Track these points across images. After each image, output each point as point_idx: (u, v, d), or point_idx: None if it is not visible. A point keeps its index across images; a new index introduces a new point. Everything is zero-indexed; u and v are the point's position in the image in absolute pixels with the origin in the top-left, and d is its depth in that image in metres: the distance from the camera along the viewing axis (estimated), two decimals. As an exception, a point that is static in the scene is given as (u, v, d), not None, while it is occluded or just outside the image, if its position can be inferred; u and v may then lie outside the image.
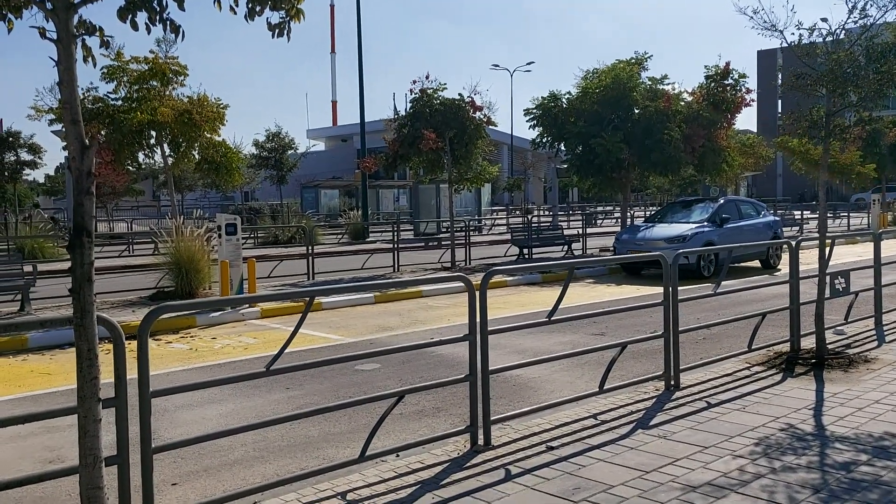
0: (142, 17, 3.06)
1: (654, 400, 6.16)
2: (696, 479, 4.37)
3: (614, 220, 43.25)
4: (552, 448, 4.99)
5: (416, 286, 13.25)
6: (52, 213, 31.44)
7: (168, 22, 3.07)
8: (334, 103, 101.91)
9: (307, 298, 4.32)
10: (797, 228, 30.59)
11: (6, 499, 4.43)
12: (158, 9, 3.03)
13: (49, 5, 2.91)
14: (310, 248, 16.43)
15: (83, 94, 13.18)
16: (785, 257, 18.65)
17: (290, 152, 34.22)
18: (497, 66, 60.47)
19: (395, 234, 19.10)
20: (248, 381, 4.29)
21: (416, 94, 17.30)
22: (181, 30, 3.12)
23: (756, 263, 17.67)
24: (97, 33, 3.04)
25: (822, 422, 5.38)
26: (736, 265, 16.90)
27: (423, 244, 21.85)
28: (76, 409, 3.09)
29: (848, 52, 6.56)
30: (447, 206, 30.84)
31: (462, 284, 4.94)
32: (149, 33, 3.08)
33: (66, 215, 35.92)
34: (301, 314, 4.32)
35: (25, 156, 26.93)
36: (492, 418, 5.08)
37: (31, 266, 12.72)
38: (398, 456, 4.84)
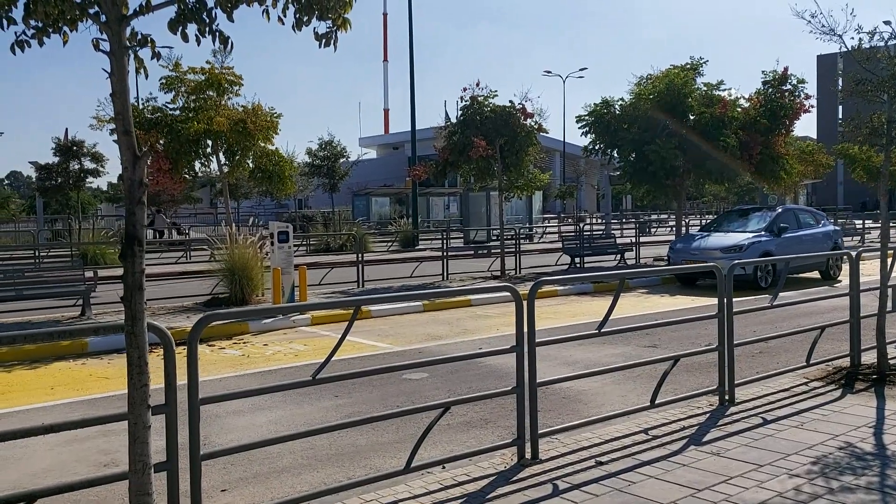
0: (192, 28, 3.10)
1: (708, 415, 5.99)
2: (751, 499, 4.23)
3: (668, 229, 42.56)
4: (601, 463, 4.88)
5: (464, 295, 13.19)
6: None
7: (217, 33, 3.11)
8: (386, 111, 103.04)
9: (362, 307, 4.32)
10: (858, 238, 29.61)
11: (63, 500, 4.53)
12: (207, 20, 3.07)
13: (102, 18, 2.97)
14: (360, 255, 16.55)
15: (143, 103, 13.55)
16: (845, 268, 18.07)
17: (342, 160, 34.60)
18: (549, 72, 60.16)
19: (445, 242, 19.09)
20: (296, 389, 4.30)
21: (466, 101, 17.29)
22: (230, 41, 3.16)
23: (815, 274, 17.14)
24: (149, 45, 3.09)
25: (884, 440, 5.16)
26: (794, 276, 16.42)
27: (472, 252, 21.82)
28: (126, 416, 3.13)
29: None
30: (497, 214, 30.81)
31: (526, 292, 4.89)
32: (198, 44, 3.12)
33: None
34: (348, 322, 4.32)
35: (88, 164, 27.86)
36: (540, 431, 5.00)
37: (93, 272, 13.11)
38: (444, 468, 4.80)
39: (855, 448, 5.01)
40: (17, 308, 12.35)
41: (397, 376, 7.90)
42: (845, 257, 7.73)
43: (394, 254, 26.54)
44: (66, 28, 3.06)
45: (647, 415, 5.94)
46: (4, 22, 2.98)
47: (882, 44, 6.48)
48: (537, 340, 4.92)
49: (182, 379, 3.66)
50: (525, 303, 4.82)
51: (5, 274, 11.85)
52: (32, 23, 3.00)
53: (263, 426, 6.35)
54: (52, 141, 27.99)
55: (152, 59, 3.13)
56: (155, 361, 3.70)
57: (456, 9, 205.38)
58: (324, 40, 3.35)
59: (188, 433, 3.71)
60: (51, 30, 3.03)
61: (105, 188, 55.80)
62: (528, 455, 4.93)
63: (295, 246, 25.63)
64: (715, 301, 6.41)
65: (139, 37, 3.06)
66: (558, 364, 8.25)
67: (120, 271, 11.22)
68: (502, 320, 11.80)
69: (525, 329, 4.83)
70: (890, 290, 7.17)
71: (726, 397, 6.31)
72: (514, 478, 4.64)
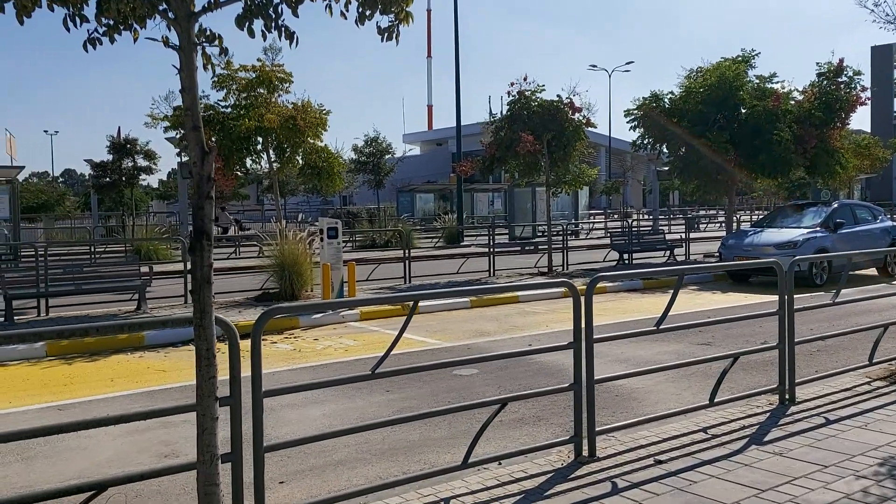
0: (258, 24, 3.13)
1: (768, 415, 5.86)
2: (816, 500, 4.12)
3: (718, 225, 41.80)
4: (660, 462, 4.81)
5: (520, 291, 13.07)
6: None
7: (283, 28, 3.13)
8: (430, 107, 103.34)
9: (411, 302, 4.32)
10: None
11: (127, 490, 4.63)
12: (274, 16, 3.10)
13: (171, 15, 3.01)
14: (407, 251, 16.60)
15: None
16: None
17: (387, 157, 34.78)
18: (595, 66, 59.56)
19: (491, 238, 19.05)
20: (355, 382, 4.32)
21: (513, 96, 17.20)
22: (295, 35, 3.18)
23: (872, 271, 16.64)
24: (216, 41, 3.13)
25: (958, 444, 4.98)
26: (850, 273, 15.98)
27: (518, 248, 21.72)
28: (195, 407, 3.18)
29: None
30: (543, 210, 30.59)
31: (564, 290, 4.84)
32: (264, 39, 3.15)
33: (178, 218, 37.69)
34: (406, 317, 4.32)
35: (141, 161, 28.49)
36: (597, 429, 4.94)
37: (148, 267, 13.41)
38: (500, 464, 4.78)
39: (925, 450, 4.84)
40: (75, 302, 12.70)
41: (447, 372, 7.89)
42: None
43: (439, 250, 26.58)
44: (135, 25, 3.12)
45: (705, 413, 5.83)
46: (77, 20, 3.04)
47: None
48: (595, 337, 4.86)
49: (244, 372, 3.71)
50: (583, 298, 4.76)
51: (64, 269, 12.18)
52: (104, 20, 3.06)
53: (317, 419, 6.41)
54: (106, 139, 28.75)
55: (220, 55, 3.16)
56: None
57: (500, 4, 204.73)
58: (386, 34, 3.35)
59: (251, 425, 3.75)
60: (121, 27, 3.08)
61: (156, 185, 57.02)
62: (585, 452, 4.88)
63: (342, 242, 25.90)
64: (769, 298, 6.29)
65: (207, 33, 3.09)
66: (610, 361, 8.16)
67: (172, 267, 11.49)
68: (550, 317, 11.72)
69: (583, 325, 4.77)
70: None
71: (786, 396, 6.16)
72: (572, 475, 4.60)
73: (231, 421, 3.62)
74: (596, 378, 4.93)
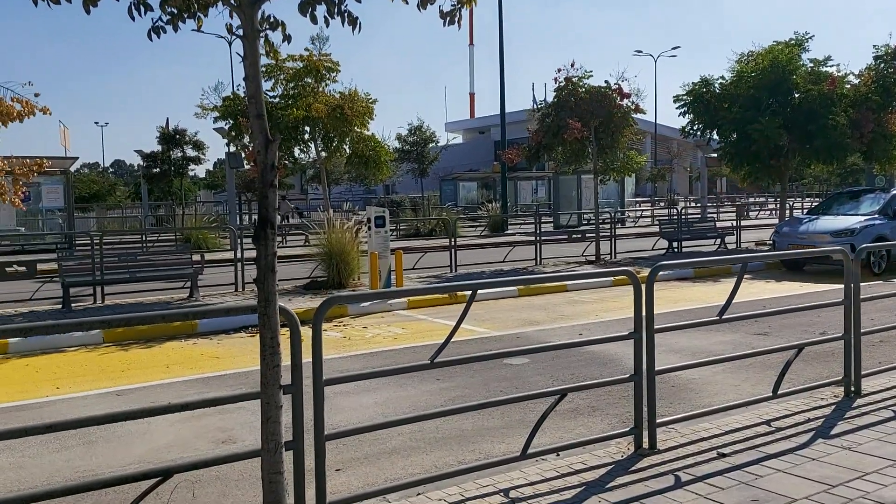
0: (320, 10, 3.09)
1: (834, 407, 5.67)
2: (891, 497, 3.97)
3: (768, 213, 40.88)
4: (724, 455, 4.69)
5: (582, 280, 12.85)
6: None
7: (346, 14, 3.09)
8: (472, 95, 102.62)
9: (467, 292, 4.26)
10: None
11: (188, 476, 4.68)
12: (336, 1, 3.05)
13: (234, 2, 2.99)
14: (453, 240, 16.56)
15: (244, 92, 13.90)
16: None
17: (430, 145, 34.75)
18: (640, 51, 58.71)
19: (537, 226, 18.89)
20: (409, 372, 4.29)
21: (560, 82, 16.98)
22: (358, 21, 3.13)
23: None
24: (279, 28, 3.10)
25: None
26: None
27: (564, 237, 21.50)
28: (259, 395, 3.18)
29: None
30: (588, 198, 30.27)
31: (622, 278, 4.73)
32: (327, 26, 3.11)
33: (224, 207, 38.20)
34: (464, 304, 4.27)
35: (190, 152, 28.96)
36: (657, 421, 4.84)
37: (200, 255, 13.62)
38: (559, 455, 4.71)
39: None
40: (129, 290, 12.96)
41: (498, 361, 7.83)
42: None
43: (483, 238, 26.49)
44: (199, 13, 3.10)
45: (768, 406, 5.67)
46: (142, 8, 3.04)
47: None
48: (656, 326, 4.76)
49: (305, 358, 3.70)
50: (644, 287, 4.65)
51: (119, 257, 12.43)
52: (168, 8, 3.05)
53: (370, 407, 6.41)
54: (156, 130, 29.26)
55: (283, 42, 3.14)
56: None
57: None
58: (448, 18, 3.28)
59: (312, 413, 3.74)
60: (185, 14, 3.07)
61: (203, 175, 57.99)
62: (645, 444, 4.78)
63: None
64: (824, 287, 6.11)
65: (270, 20, 3.07)
66: (665, 351, 7.99)
67: (221, 255, 11.59)
68: (600, 306, 11.57)
69: (644, 314, 4.67)
70: None
71: (852, 389, 5.96)
72: (633, 467, 4.51)
73: (293, 409, 3.61)
74: (657, 369, 4.83)
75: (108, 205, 44.38)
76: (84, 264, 11.98)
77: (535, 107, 18.38)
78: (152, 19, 3.10)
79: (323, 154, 13.92)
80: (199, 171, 54.87)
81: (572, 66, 17.03)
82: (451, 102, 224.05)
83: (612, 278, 13.76)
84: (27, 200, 21.16)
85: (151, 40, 3.13)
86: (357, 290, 13.00)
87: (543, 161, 21.42)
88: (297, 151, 13.93)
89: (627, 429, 4.83)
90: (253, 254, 12.20)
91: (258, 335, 3.29)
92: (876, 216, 15.58)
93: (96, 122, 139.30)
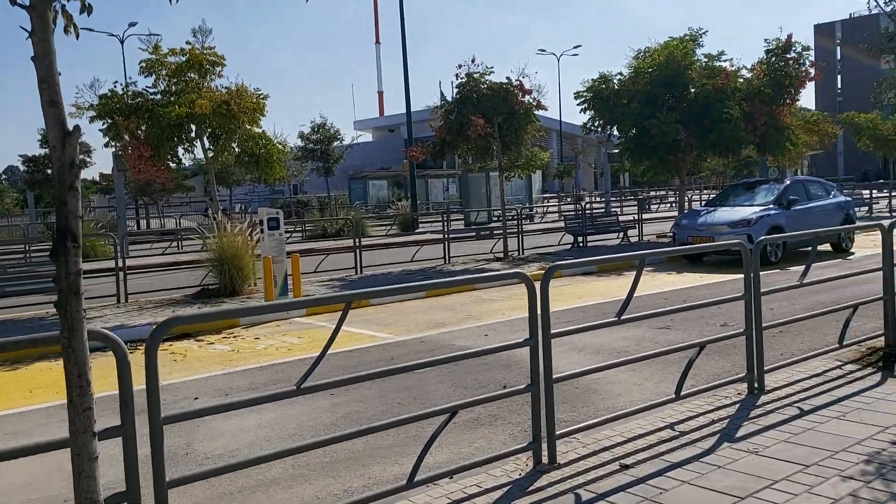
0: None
1: (738, 406, 5.47)
2: (801, 506, 3.72)
3: (668, 205, 42.03)
4: (627, 466, 4.36)
5: (470, 284, 12.42)
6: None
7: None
8: (380, 94, 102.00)
9: (345, 304, 3.78)
10: (866, 209, 29.06)
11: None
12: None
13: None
14: (357, 240, 16.00)
15: (122, 89, 12.93)
16: (858, 240, 17.53)
17: (335, 143, 33.93)
18: (543, 50, 59.48)
19: (446, 224, 18.53)
20: (272, 402, 3.75)
21: (462, 78, 16.66)
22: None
23: (826, 247, 16.60)
24: (77, -5, 2.53)
25: (942, 433, 4.64)
26: (805, 249, 15.89)
27: (474, 234, 21.26)
28: (69, 445, 2.60)
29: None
30: (497, 195, 30.18)
31: (536, 273, 4.35)
32: None
33: (116, 214, 36.19)
34: (337, 322, 3.77)
35: (75, 155, 27.13)
36: (557, 432, 4.47)
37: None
38: (452, 478, 4.28)
39: (910, 442, 4.48)
40: (2, 305, 11.83)
41: (398, 364, 7.38)
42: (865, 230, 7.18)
43: (393, 238, 26.00)
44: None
45: (671, 407, 5.41)
46: None
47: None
48: (553, 331, 4.39)
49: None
50: (538, 290, 4.28)
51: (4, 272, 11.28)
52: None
53: (252, 430, 5.84)
54: (38, 133, 27.40)
55: (81, 13, 2.56)
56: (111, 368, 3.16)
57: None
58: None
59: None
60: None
61: (97, 179, 55.15)
62: (545, 460, 4.41)
63: (290, 232, 25.02)
64: (724, 277, 5.96)
65: (64, -16, 2.49)
66: (568, 350, 7.73)
67: (109, 263, 10.53)
68: (507, 304, 11.28)
69: (539, 320, 4.29)
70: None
71: (755, 385, 5.79)
72: (531, 487, 4.12)
73: (125, 456, 3.03)
74: (556, 376, 4.47)
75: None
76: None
77: (440, 104, 17.96)
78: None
79: (210, 153, 13.07)
80: (91, 173, 52.07)
81: (473, 62, 16.75)
82: (361, 101, 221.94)
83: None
84: None
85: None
86: (252, 296, 12.27)
87: (450, 159, 21.14)
88: (181, 151, 13.03)
89: (525, 444, 4.44)
90: (138, 261, 11.19)
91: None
92: (771, 206, 15.94)
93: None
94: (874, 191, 30.34)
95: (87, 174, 57.23)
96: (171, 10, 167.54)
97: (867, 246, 17.14)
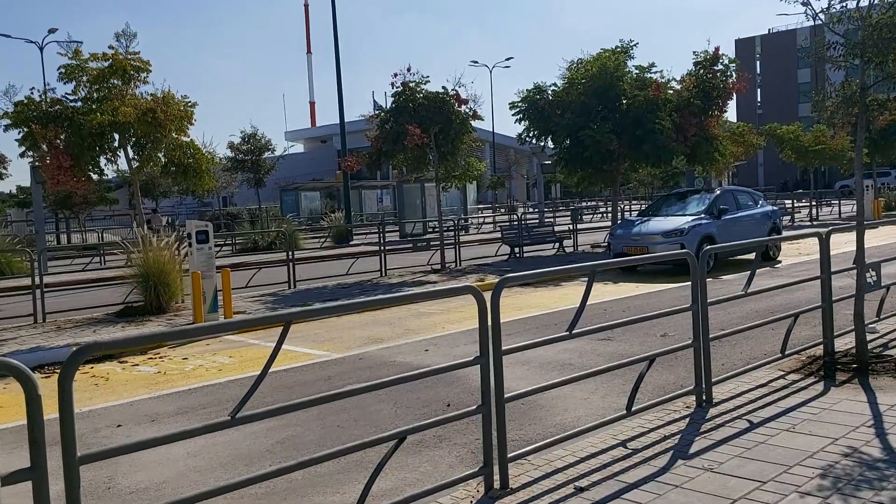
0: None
1: (688, 420, 5.38)
2: (761, 525, 3.60)
3: (600, 216, 42.64)
4: (582, 489, 4.18)
5: (419, 300, 11.86)
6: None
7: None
8: (312, 104, 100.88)
9: (283, 323, 3.48)
10: (789, 218, 30.04)
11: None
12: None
13: None
14: (290, 253, 15.55)
15: (40, 95, 12.21)
16: (785, 248, 18.02)
17: (266, 154, 33.22)
18: (476, 62, 59.92)
19: (381, 236, 18.23)
20: (206, 434, 3.42)
21: (397, 87, 16.45)
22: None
23: (751, 256, 16.96)
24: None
25: (891, 443, 4.62)
26: (734, 259, 16.22)
27: (410, 246, 20.99)
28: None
29: (889, 15, 5.81)
30: (433, 206, 30.01)
31: (469, 296, 4.13)
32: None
33: (35, 228, 34.52)
34: (277, 340, 3.47)
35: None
36: (509, 455, 4.26)
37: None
38: (397, 510, 4.01)
39: (862, 454, 4.44)
40: None
41: (337, 387, 7.06)
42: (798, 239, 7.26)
43: (327, 250, 25.51)
44: None
45: (622, 424, 5.27)
46: None
47: (853, 4, 5.96)
48: (504, 347, 4.19)
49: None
50: (489, 305, 4.07)
51: None
52: None
53: (181, 460, 5.44)
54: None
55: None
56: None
57: None
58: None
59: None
60: None
61: (14, 191, 52.64)
62: (496, 485, 4.19)
63: (219, 246, 24.27)
64: (660, 287, 5.89)
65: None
66: (512, 363, 7.53)
67: (26, 281, 9.74)
68: (446, 317, 11.07)
69: (490, 336, 4.08)
70: (870, 269, 6.72)
71: (703, 398, 5.72)
72: (484, 516, 3.90)
73: (34, 500, 2.67)
74: (507, 396, 4.26)
75: None
76: None
77: (375, 113, 17.69)
78: None
79: (134, 163, 12.45)
80: (8, 186, 49.63)
81: (408, 70, 16.58)
82: (292, 111, 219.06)
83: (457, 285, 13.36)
84: None
85: None
86: (179, 313, 11.71)
87: (385, 168, 20.89)
88: (103, 161, 12.37)
89: (477, 468, 4.22)
90: (57, 278, 10.50)
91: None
92: (702, 216, 16.21)
93: None
94: (795, 200, 31.39)
95: (3, 186, 54.74)
96: (95, 15, 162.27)
97: (792, 254, 17.63)
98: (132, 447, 3.10)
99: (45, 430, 2.69)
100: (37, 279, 11.83)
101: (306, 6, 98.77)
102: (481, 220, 39.33)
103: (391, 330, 10.47)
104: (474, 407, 4.22)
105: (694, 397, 5.73)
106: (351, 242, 28.27)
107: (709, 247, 6.28)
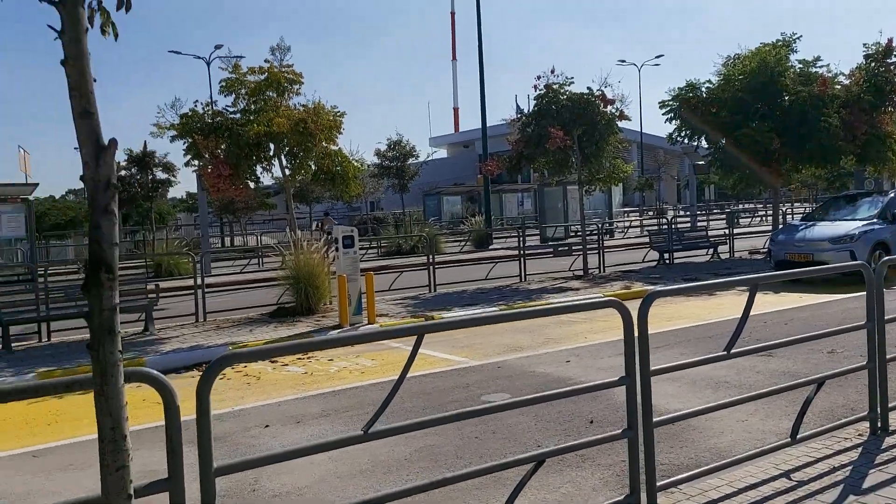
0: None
1: (860, 450, 4.81)
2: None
3: (759, 219, 40.22)
4: (740, 525, 3.80)
5: (557, 313, 11.67)
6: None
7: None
8: (456, 110, 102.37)
9: (416, 336, 3.38)
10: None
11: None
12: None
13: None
14: (431, 257, 15.69)
15: (203, 108, 13.01)
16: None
17: (410, 160, 33.89)
18: (623, 61, 58.24)
19: (521, 240, 18.02)
20: (340, 448, 3.37)
21: (540, 90, 16.21)
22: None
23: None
24: (113, -9, 2.24)
25: None
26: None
27: (551, 250, 20.64)
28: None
29: None
30: (575, 209, 29.46)
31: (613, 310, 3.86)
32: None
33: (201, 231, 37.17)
34: (412, 350, 3.38)
35: (160, 174, 27.99)
36: (658, 483, 3.95)
37: (155, 285, 12.65)
38: (537, 534, 3.81)
39: None
40: (81, 325, 11.99)
41: (475, 398, 6.96)
42: None
43: (467, 254, 25.64)
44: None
45: (784, 451, 4.79)
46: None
47: None
48: (652, 368, 3.88)
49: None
50: (635, 322, 3.78)
51: (66, 291, 11.42)
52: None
53: (322, 464, 5.49)
54: (123, 153, 28.34)
55: (119, 9, 2.26)
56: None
57: (524, 5, 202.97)
58: None
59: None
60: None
61: (183, 197, 56.98)
62: (643, 515, 3.89)
63: (365, 249, 24.96)
64: (826, 297, 5.27)
65: (97, -22, 2.20)
66: (661, 380, 7.11)
67: (191, 281, 10.35)
68: (589, 326, 10.71)
69: (637, 356, 3.79)
70: None
71: (878, 424, 5.10)
72: (629, 548, 3.62)
73: (171, 511, 2.70)
74: (656, 420, 3.95)
75: (86, 231, 43.31)
76: (27, 299, 11.01)
77: (517, 116, 17.54)
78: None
79: (287, 171, 13.00)
80: (179, 192, 53.71)
81: (552, 72, 16.29)
82: (436, 117, 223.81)
83: (601, 296, 12.95)
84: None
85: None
86: (327, 315, 12.09)
87: (525, 172, 20.69)
88: (259, 170, 13.02)
89: (622, 497, 3.93)
90: (218, 279, 11.05)
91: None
92: (875, 220, 14.83)
93: (75, 148, 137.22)
94: None
95: (173, 192, 59.10)
96: (254, 30, 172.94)
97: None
98: (265, 460, 3.09)
99: (182, 439, 2.72)
100: (199, 280, 12.59)
101: (453, 14, 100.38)
102: (627, 223, 38.22)
103: (531, 338, 10.26)
104: (619, 431, 3.94)
105: (867, 424, 5.14)
106: (491, 246, 28.26)
107: (886, 258, 5.60)
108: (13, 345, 10.55)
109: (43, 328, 11.38)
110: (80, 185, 2.99)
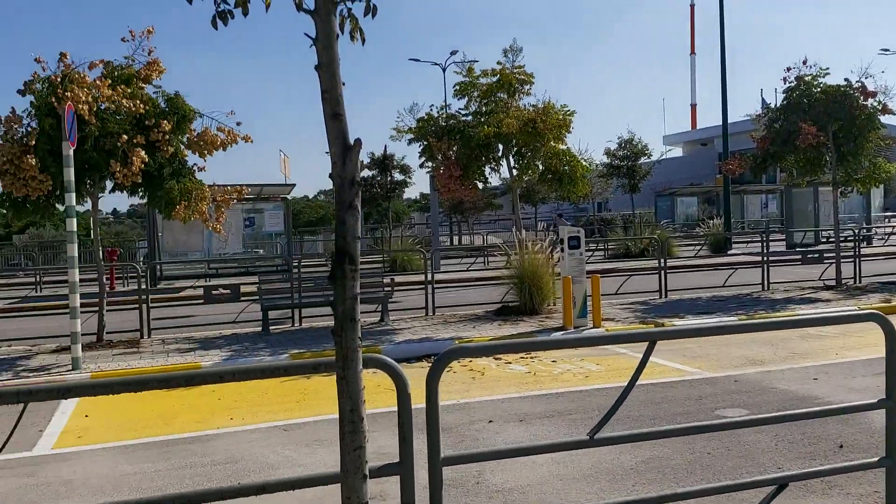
0: None
1: None
2: None
3: None
4: None
5: (806, 327, 10.21)
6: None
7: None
8: (693, 106, 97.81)
9: (647, 342, 3.23)
10: None
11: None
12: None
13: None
14: (663, 261, 15.08)
15: (437, 112, 13.61)
16: None
17: (642, 159, 32.87)
18: (887, 50, 51.99)
19: (765, 245, 16.73)
20: (567, 450, 3.31)
21: (790, 82, 14.94)
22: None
23: None
24: (363, -1, 2.37)
25: None
26: None
27: (798, 257, 18.94)
28: (339, 485, 2.42)
29: None
30: (827, 213, 26.80)
31: (873, 324, 3.42)
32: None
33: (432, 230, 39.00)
34: (641, 359, 3.24)
35: (398, 176, 29.79)
36: (927, 526, 3.44)
37: (390, 279, 13.47)
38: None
39: None
40: (326, 313, 13.08)
41: (707, 412, 6.56)
42: None
43: (702, 259, 24.35)
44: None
45: None
46: (200, -9, 2.45)
47: None
48: (922, 394, 3.38)
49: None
50: (904, 339, 3.32)
51: (315, 282, 12.52)
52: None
53: (545, 465, 5.46)
54: (366, 156, 30.52)
55: (366, 15, 2.39)
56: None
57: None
58: None
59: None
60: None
61: (417, 197, 60.10)
62: (907, 559, 3.41)
63: (591, 251, 24.66)
64: None
65: (349, -13, 2.34)
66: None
67: (418, 278, 10.93)
68: (841, 342, 9.68)
69: (903, 377, 3.33)
70: None
71: None
72: None
73: (402, 495, 2.81)
74: (924, 452, 3.44)
75: (333, 227, 47.21)
76: (283, 288, 12.22)
77: (763, 112, 16.31)
78: (215, 2, 2.50)
79: (514, 171, 13.19)
80: (412, 192, 56.75)
81: (804, 63, 14.93)
82: (671, 114, 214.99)
83: (856, 309, 11.70)
84: (251, 226, 22.71)
85: (217, 28, 2.53)
86: (551, 316, 12.07)
87: (771, 172, 19.18)
88: (487, 170, 13.35)
89: (881, 535, 3.48)
90: (446, 276, 11.52)
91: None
92: None
93: (326, 152, 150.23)
94: None
95: (409, 193, 62.60)
96: (489, 37, 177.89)
97: None
98: (491, 455, 3.13)
99: (413, 425, 2.82)
100: (429, 276, 13.20)
101: (692, 7, 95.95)
102: (889, 229, 34.09)
103: (772, 351, 9.48)
104: (875, 459, 3.49)
105: None
106: (729, 252, 26.59)
107: None
108: (271, 328, 11.75)
109: (296, 314, 12.56)
110: (330, 185, 3.24)
